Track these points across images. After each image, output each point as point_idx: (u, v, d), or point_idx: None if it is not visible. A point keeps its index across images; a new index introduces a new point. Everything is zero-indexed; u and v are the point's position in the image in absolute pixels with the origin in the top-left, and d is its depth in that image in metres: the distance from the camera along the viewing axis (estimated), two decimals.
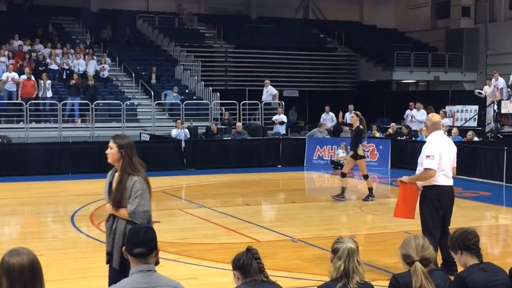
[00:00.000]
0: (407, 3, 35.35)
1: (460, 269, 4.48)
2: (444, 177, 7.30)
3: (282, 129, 21.45)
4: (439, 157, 7.19)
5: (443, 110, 21.79)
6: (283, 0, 32.28)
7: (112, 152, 5.31)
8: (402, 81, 32.06)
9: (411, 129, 20.57)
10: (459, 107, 23.22)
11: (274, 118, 21.73)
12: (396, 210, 7.91)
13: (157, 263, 3.85)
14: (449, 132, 19.13)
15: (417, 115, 21.36)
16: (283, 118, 21.53)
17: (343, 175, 13.32)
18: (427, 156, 7.18)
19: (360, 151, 13.08)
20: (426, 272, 3.87)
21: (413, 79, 31.58)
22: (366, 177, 13.40)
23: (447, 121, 21.12)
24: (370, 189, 13.24)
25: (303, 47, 29.43)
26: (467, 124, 21.90)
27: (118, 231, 5.22)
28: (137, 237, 3.76)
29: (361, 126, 13.14)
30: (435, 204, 7.26)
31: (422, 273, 3.85)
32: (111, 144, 5.34)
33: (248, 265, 3.92)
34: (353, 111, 14.20)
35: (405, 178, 7.67)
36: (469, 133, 18.95)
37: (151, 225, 4.98)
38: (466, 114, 22.87)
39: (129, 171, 5.26)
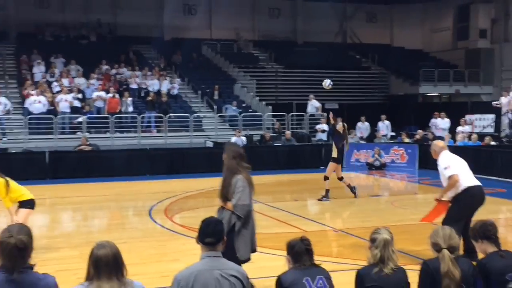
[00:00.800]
0: (431, 28, 34.59)
1: (480, 256, 4.42)
2: (468, 179, 7.00)
3: (324, 136, 21.25)
4: (455, 164, 6.97)
5: (464, 118, 21.30)
6: (324, 27, 31.94)
7: (224, 156, 5.73)
8: (427, 94, 31.29)
9: (435, 135, 20.15)
10: (478, 115, 22.64)
11: (317, 127, 21.57)
12: (424, 218, 7.74)
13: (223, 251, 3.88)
14: (469, 138, 18.73)
15: (440, 123, 21.03)
16: (325, 127, 21.34)
17: (326, 178, 12.58)
18: (445, 168, 6.96)
19: (334, 153, 12.38)
20: (452, 258, 3.84)
21: (437, 92, 30.75)
22: (326, 178, 12.59)
23: (467, 128, 20.66)
24: (327, 191, 12.52)
25: (341, 67, 28.98)
26: (484, 131, 21.32)
27: (224, 220, 5.28)
28: (208, 229, 3.84)
29: (340, 132, 12.56)
30: (466, 202, 6.94)
31: (449, 259, 3.82)
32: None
33: (300, 253, 4.00)
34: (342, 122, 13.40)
35: (438, 195, 7.40)
36: (487, 138, 18.56)
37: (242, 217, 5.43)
38: (484, 121, 22.31)
39: (234, 171, 5.58)
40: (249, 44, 30.88)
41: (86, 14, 28.03)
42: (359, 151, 19.25)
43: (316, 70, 26.62)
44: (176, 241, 9.26)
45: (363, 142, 20.74)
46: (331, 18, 32.65)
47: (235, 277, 3.77)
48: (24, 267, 3.27)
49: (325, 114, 22.04)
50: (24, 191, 7.84)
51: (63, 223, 11.80)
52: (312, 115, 22.81)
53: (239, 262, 5.14)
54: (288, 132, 20.63)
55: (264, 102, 24.30)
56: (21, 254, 3.24)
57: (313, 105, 22.93)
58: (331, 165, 12.56)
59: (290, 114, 22.73)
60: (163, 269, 7.31)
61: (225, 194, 5.56)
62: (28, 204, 7.79)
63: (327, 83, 13.89)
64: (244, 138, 19.79)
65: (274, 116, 22.99)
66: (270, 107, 23.65)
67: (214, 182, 15.01)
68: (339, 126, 12.82)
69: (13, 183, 7.70)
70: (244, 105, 23.99)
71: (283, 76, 28.27)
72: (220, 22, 30.63)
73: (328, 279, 4.02)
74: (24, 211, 7.72)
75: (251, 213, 5.68)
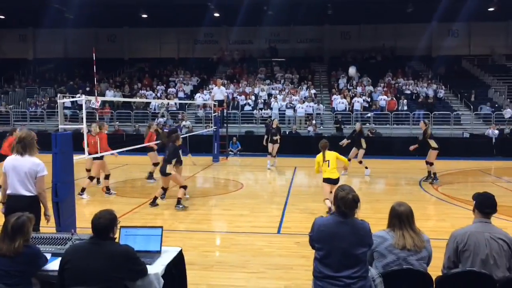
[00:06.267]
0: None
1: None
2: None
3: None
4: None
5: None
6: None
7: None
8: None
9: None
10: None
11: None
12: None
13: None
14: None
15: None
16: None
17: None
18: None
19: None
20: None
21: None
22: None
23: None
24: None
25: None
26: None
27: None
28: (488, 201, 4.00)
29: None
30: None
31: None
32: None
33: None
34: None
35: None
36: None
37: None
38: None
39: None
40: (503, 57, 30.52)
41: (375, 41, 30.95)
42: None
43: None
44: (441, 206, 9.76)
45: None
46: None
47: (503, 239, 3.82)
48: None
49: None
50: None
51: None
52: None
53: None
54: None
55: None
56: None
57: None
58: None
59: None
60: (432, 225, 8.04)
61: None
62: None
63: None
64: (497, 131, 20.25)
65: None
66: None
67: (467, 164, 16.20)
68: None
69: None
70: (496, 105, 24.13)
71: None
72: (477, 41, 30.68)
73: None
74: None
75: None
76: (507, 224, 7.85)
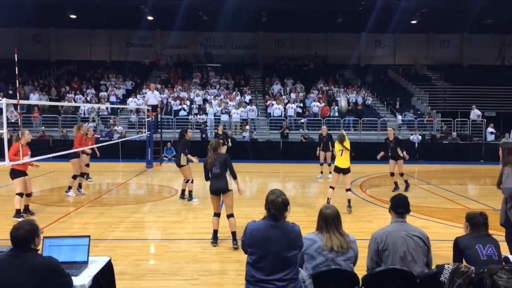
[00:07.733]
0: None
1: None
2: None
3: (492, 137, 22.16)
4: None
5: None
6: (485, 53, 32.41)
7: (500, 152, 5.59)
8: None
9: None
10: None
11: (489, 130, 22.55)
12: None
13: None
14: None
15: None
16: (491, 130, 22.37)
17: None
18: None
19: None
20: None
21: None
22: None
23: None
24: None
25: (499, 84, 27.59)
26: None
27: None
28: (401, 202, 4.24)
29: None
30: None
31: None
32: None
33: (478, 224, 4.15)
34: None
35: None
36: None
37: None
38: None
39: (504, 162, 5.47)
40: (424, 67, 32.09)
41: (308, 49, 32.35)
42: None
43: (478, 86, 27.29)
44: (368, 208, 10.10)
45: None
46: (491, 46, 32.77)
47: (417, 236, 4.06)
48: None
49: (484, 120, 23.77)
50: None
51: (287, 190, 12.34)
52: (474, 120, 23.98)
53: None
54: (454, 134, 22.12)
55: (434, 110, 25.57)
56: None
57: (475, 113, 24.16)
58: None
59: (456, 119, 23.89)
60: (360, 226, 8.26)
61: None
62: None
63: None
64: (420, 137, 21.57)
65: (443, 121, 24.23)
66: (440, 115, 24.93)
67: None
68: None
69: None
70: (419, 112, 25.67)
71: (451, 91, 28.29)
72: (402, 52, 32.76)
73: (497, 248, 4.06)
74: None
75: None
76: (427, 223, 8.40)
